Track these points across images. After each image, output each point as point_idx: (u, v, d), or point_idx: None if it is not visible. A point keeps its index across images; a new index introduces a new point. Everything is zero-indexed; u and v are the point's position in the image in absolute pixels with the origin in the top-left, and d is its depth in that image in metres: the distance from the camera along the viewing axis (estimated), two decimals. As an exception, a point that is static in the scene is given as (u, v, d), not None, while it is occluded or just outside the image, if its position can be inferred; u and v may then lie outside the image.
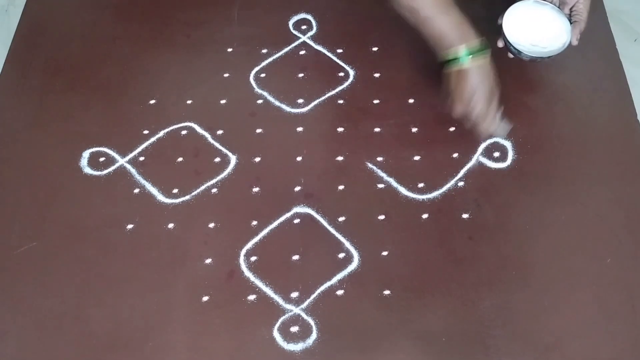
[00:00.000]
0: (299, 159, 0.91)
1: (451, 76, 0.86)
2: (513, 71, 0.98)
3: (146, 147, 0.93)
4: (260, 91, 0.98)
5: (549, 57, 0.90)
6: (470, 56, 0.83)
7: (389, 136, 0.93)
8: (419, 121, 0.93)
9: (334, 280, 0.81)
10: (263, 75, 1.00)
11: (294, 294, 0.80)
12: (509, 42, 0.90)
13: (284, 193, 0.88)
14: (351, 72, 0.99)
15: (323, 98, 0.96)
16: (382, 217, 0.86)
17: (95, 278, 0.83)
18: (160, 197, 0.89)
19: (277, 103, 0.97)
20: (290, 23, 1.05)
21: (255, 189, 0.89)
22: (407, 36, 1.00)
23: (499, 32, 0.91)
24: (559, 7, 0.92)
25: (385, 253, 0.83)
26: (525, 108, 0.95)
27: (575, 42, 0.90)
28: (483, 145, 0.91)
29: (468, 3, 0.91)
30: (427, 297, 0.80)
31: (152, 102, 0.98)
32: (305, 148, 0.92)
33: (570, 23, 0.91)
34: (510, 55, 0.93)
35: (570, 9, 0.91)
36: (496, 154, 0.90)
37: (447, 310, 0.79)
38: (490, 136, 0.90)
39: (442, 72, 0.87)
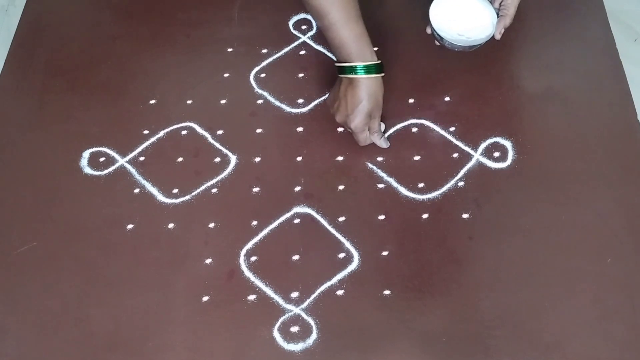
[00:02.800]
0: (299, 159, 0.91)
1: (342, 83, 0.86)
2: (512, 71, 0.99)
3: (146, 147, 0.93)
4: (260, 91, 0.98)
5: (470, 47, 0.91)
6: (364, 72, 0.83)
7: (389, 136, 0.93)
8: (419, 121, 0.93)
9: (334, 280, 0.81)
10: (263, 75, 1.00)
11: (294, 294, 0.80)
12: (433, 29, 0.91)
13: (284, 193, 0.88)
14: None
15: (323, 98, 0.96)
16: (382, 217, 0.86)
17: (95, 278, 0.83)
18: (161, 197, 0.89)
19: (277, 103, 0.97)
20: (290, 23, 1.05)
21: (255, 189, 0.89)
22: (407, 36, 1.00)
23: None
24: (490, 1, 0.92)
25: (385, 253, 0.83)
26: (525, 108, 0.95)
27: (497, 37, 0.90)
28: (483, 145, 0.91)
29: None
30: (427, 297, 0.80)
31: (152, 102, 0.98)
32: (305, 148, 0.92)
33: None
34: (437, 43, 0.93)
35: (500, 3, 0.91)
36: (496, 154, 0.90)
37: (447, 310, 0.79)
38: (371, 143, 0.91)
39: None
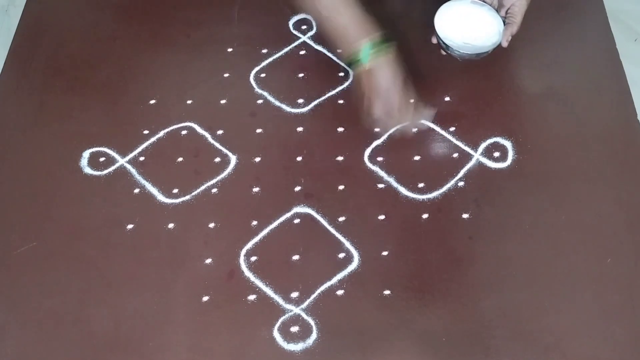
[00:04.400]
0: (299, 159, 0.91)
1: (362, 76, 0.84)
2: (512, 71, 0.99)
3: (146, 147, 0.93)
4: (260, 91, 0.98)
5: (477, 55, 0.91)
6: (374, 50, 0.82)
7: (389, 136, 0.93)
8: (419, 121, 0.93)
9: (334, 280, 0.81)
10: (263, 75, 1.00)
11: (294, 294, 0.80)
12: (439, 38, 0.91)
13: (284, 193, 0.88)
14: (351, 72, 0.98)
15: (323, 98, 0.96)
16: (382, 217, 0.86)
17: (95, 278, 0.83)
18: (160, 197, 0.89)
19: (277, 103, 0.97)
20: (290, 23, 1.05)
21: (255, 189, 0.89)
22: (407, 36, 1.00)
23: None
24: (496, 10, 0.92)
25: (385, 253, 0.83)
26: (525, 108, 0.95)
27: (505, 44, 0.90)
28: (483, 145, 0.91)
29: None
30: (427, 297, 0.80)
31: (152, 102, 0.98)
32: (305, 148, 0.92)
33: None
34: (443, 52, 0.93)
35: (507, 11, 0.91)
36: (496, 154, 0.90)
37: (447, 310, 0.79)
38: (416, 126, 0.89)
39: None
